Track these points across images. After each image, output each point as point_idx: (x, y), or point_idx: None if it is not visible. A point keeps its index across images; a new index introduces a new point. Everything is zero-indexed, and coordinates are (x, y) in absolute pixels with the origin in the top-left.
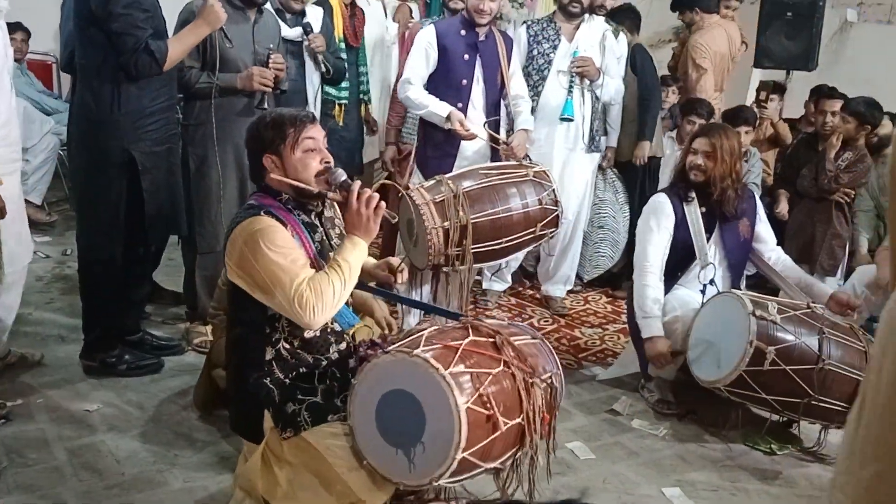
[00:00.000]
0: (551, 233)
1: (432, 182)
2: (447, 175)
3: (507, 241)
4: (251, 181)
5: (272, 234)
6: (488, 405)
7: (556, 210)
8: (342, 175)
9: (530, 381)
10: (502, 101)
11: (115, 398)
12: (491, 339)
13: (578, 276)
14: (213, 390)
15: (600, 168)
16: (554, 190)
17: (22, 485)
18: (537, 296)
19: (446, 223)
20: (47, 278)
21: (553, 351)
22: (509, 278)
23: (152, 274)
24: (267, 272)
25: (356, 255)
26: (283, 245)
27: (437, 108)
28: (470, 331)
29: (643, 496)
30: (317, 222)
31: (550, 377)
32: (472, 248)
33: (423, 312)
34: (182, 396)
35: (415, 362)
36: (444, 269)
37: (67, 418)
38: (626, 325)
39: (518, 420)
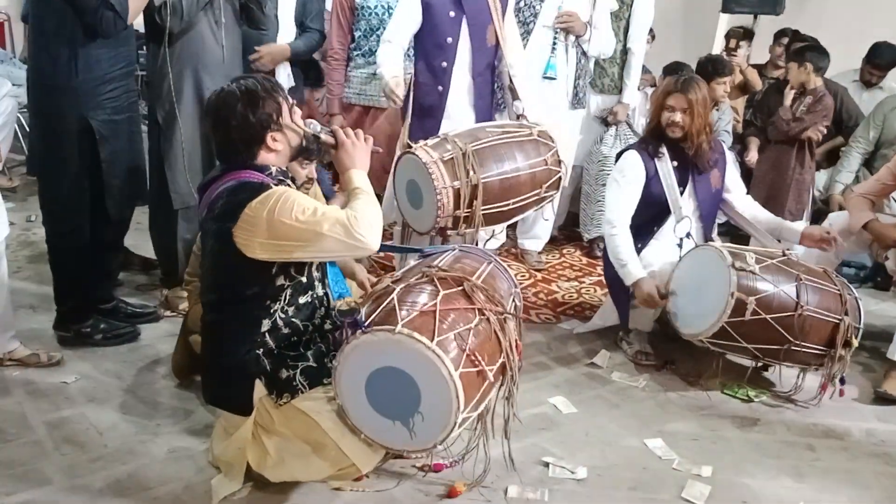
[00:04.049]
0: (553, 195)
1: (436, 140)
2: (451, 132)
3: (514, 203)
4: (229, 164)
5: (293, 195)
6: (476, 362)
7: (560, 171)
8: (317, 124)
9: (503, 317)
10: (496, 64)
11: (91, 369)
12: (460, 287)
13: (578, 233)
14: (191, 357)
15: (609, 123)
16: (557, 151)
17: (2, 461)
18: (513, 250)
19: (456, 183)
20: (13, 246)
21: (507, 269)
22: (503, 235)
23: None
24: (308, 222)
25: (364, 181)
26: (305, 199)
27: (384, 70)
28: (437, 283)
29: (626, 448)
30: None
31: (514, 300)
32: (482, 210)
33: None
34: (160, 364)
35: (399, 340)
36: (450, 231)
37: (45, 391)
38: (601, 278)
39: (500, 360)
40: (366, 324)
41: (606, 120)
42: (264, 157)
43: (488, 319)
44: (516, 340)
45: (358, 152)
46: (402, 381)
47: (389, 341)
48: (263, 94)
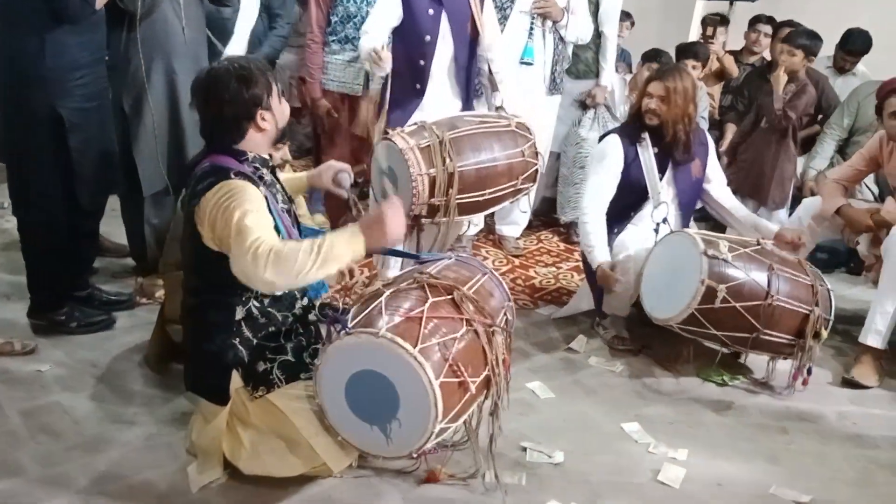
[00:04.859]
0: (529, 188)
1: (413, 127)
2: (429, 121)
3: (490, 193)
4: (214, 145)
5: (247, 196)
6: (458, 372)
7: (536, 164)
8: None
9: (491, 331)
10: (476, 57)
11: (66, 357)
12: (450, 296)
13: (556, 218)
14: (168, 346)
15: (587, 107)
16: (534, 143)
17: None
18: (491, 236)
19: (432, 170)
20: None
21: (502, 281)
22: (482, 221)
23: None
24: (239, 230)
25: (345, 248)
26: (254, 201)
27: (362, 48)
28: (427, 290)
29: (603, 432)
30: (276, 179)
31: (505, 314)
32: (457, 199)
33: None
34: (136, 352)
35: (381, 344)
36: (424, 220)
37: (19, 380)
38: (579, 264)
39: (484, 373)
40: (350, 325)
41: (585, 103)
42: (252, 136)
43: (476, 331)
44: (504, 356)
45: (384, 231)
46: (382, 386)
47: (372, 344)
48: (256, 73)
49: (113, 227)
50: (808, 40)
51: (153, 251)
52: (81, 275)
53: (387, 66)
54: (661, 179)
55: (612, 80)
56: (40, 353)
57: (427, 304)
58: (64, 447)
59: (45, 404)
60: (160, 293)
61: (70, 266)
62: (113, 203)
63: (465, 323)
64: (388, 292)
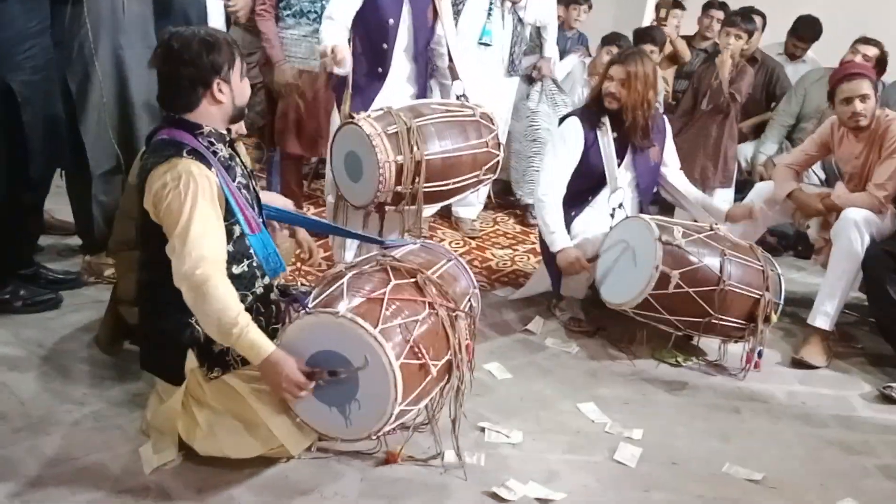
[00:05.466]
0: (490, 178)
1: (380, 112)
2: (396, 107)
3: (454, 183)
4: (168, 110)
5: (190, 181)
6: (419, 354)
7: (499, 155)
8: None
9: (454, 315)
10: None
11: (11, 337)
12: (413, 280)
13: (512, 200)
14: (120, 327)
15: (533, 80)
16: (497, 134)
17: None
18: (448, 218)
19: (400, 157)
20: None
21: (468, 268)
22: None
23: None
24: (184, 227)
25: (249, 348)
26: (202, 191)
27: (327, 42)
28: (390, 273)
29: (560, 412)
30: (234, 154)
31: (470, 300)
32: (424, 188)
33: (358, 246)
34: (84, 332)
35: (341, 324)
36: (388, 208)
37: None
38: (535, 246)
39: (446, 357)
40: (311, 305)
41: (531, 77)
42: (206, 107)
43: (437, 314)
44: (468, 342)
45: (276, 387)
46: (341, 366)
47: (332, 324)
48: (222, 42)
49: (58, 204)
50: (751, 23)
51: (101, 229)
52: (26, 251)
53: (346, 65)
54: (619, 165)
55: (555, 53)
56: None
57: (389, 286)
58: (10, 428)
59: None
60: (109, 272)
61: (14, 241)
62: (57, 179)
63: (427, 306)
64: (350, 274)
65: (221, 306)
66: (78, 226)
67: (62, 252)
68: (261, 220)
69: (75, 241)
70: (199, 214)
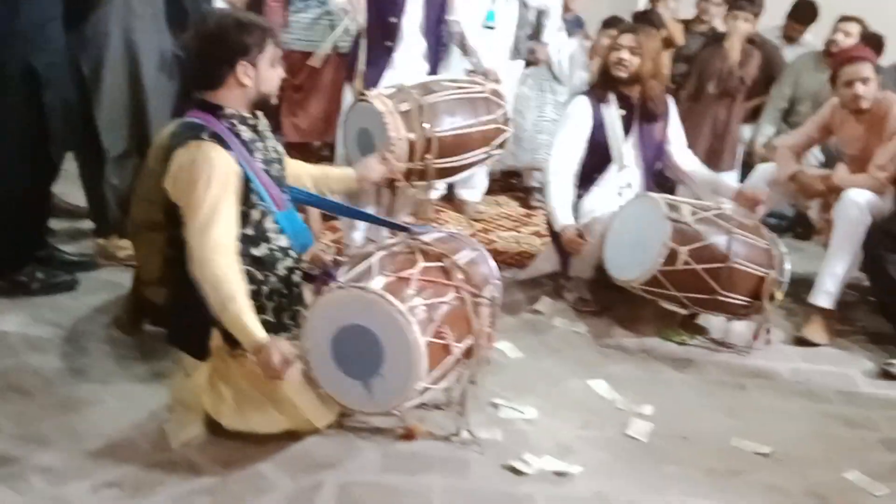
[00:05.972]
0: (498, 154)
1: (392, 89)
2: (406, 84)
3: (465, 159)
4: (194, 88)
5: (211, 167)
6: (443, 335)
7: (507, 131)
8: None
9: (478, 301)
10: (445, 17)
11: (30, 319)
12: (440, 264)
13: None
14: (142, 308)
15: (529, 63)
16: (506, 111)
17: None
18: (452, 200)
19: (412, 134)
20: None
21: (490, 257)
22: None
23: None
24: (206, 214)
25: (242, 331)
26: (222, 177)
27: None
28: (418, 255)
29: (571, 389)
30: (257, 136)
31: (493, 290)
32: (434, 164)
33: (367, 227)
34: (102, 314)
35: (371, 299)
36: (398, 184)
37: None
38: (539, 228)
39: (468, 341)
40: (340, 281)
41: (528, 60)
42: (230, 88)
43: (462, 299)
44: (489, 330)
45: (261, 364)
46: (368, 341)
47: (361, 299)
48: (255, 26)
49: (65, 188)
50: (759, 7)
51: (114, 212)
52: (41, 233)
53: (360, 15)
54: (625, 142)
55: (554, 39)
56: (3, 315)
57: (417, 268)
58: (37, 406)
59: (13, 364)
60: (124, 254)
61: (31, 224)
62: (66, 163)
63: (453, 290)
64: (380, 253)
65: (228, 288)
66: (91, 209)
67: (73, 236)
68: (287, 198)
69: (85, 225)
70: (210, 197)
